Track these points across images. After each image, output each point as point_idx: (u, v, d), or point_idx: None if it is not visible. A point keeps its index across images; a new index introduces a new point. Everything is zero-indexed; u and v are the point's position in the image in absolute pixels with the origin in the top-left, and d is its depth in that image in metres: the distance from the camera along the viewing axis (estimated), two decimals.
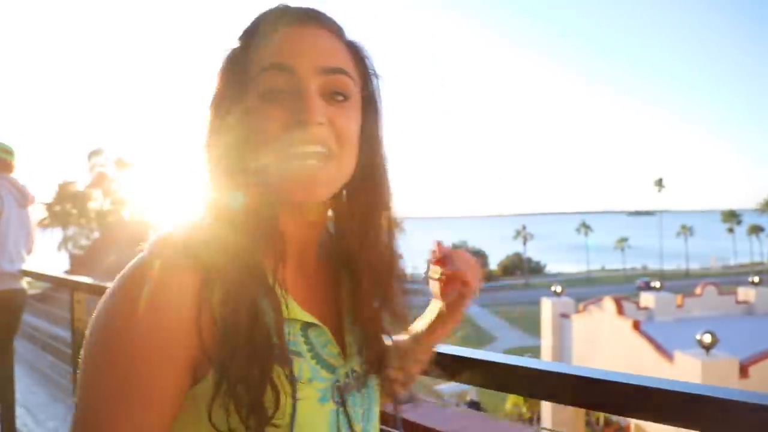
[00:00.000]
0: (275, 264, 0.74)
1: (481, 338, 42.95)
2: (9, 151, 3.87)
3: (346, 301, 0.86)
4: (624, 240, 78.34)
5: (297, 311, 0.76)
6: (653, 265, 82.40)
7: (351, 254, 0.84)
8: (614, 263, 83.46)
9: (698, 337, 12.99)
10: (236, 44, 0.80)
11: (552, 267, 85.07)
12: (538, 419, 19.79)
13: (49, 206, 51.42)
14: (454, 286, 0.88)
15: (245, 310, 0.68)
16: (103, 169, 56.12)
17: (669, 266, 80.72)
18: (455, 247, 0.93)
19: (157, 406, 0.66)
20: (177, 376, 0.67)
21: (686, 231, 77.90)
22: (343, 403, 0.79)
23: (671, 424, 0.90)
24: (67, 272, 14.75)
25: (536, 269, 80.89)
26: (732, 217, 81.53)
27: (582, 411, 15.48)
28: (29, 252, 4.02)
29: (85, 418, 0.66)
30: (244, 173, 0.74)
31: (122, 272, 0.70)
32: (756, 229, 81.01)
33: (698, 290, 20.68)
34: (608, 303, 18.40)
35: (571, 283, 62.96)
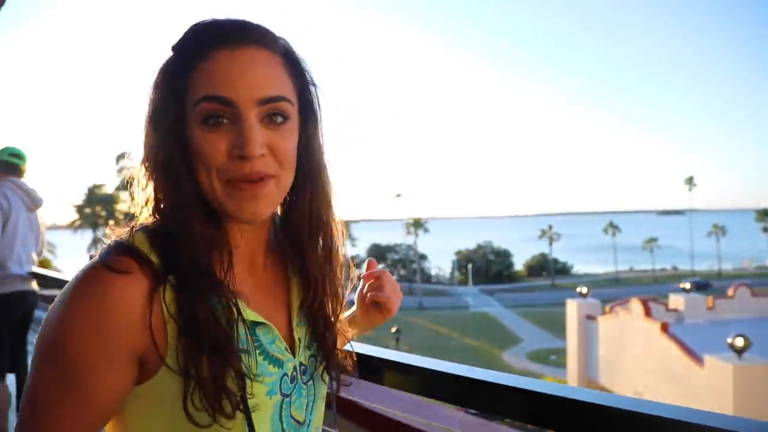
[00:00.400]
0: (224, 266, 0.78)
1: (505, 339, 42.60)
2: (20, 156, 3.90)
3: (294, 300, 0.90)
4: (653, 240, 76.61)
5: (245, 311, 0.80)
6: (684, 266, 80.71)
7: (298, 246, 0.90)
8: (643, 264, 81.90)
9: (730, 340, 12.65)
10: (169, 56, 0.79)
11: (579, 268, 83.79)
12: None
13: (79, 208, 52.77)
14: (377, 307, 1.04)
15: (202, 310, 0.73)
16: (131, 172, 57.38)
17: (700, 267, 78.88)
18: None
19: (97, 400, 0.72)
20: (121, 373, 0.72)
21: (718, 230, 75.75)
22: (288, 395, 0.83)
23: None
24: None
25: (563, 270, 79.80)
26: (767, 216, 79.13)
27: None
28: (39, 255, 4.06)
29: (29, 407, 0.73)
30: (186, 192, 0.77)
31: (76, 274, 0.74)
32: None
33: (730, 292, 20.13)
34: (635, 304, 18.02)
35: (598, 284, 62.20)
